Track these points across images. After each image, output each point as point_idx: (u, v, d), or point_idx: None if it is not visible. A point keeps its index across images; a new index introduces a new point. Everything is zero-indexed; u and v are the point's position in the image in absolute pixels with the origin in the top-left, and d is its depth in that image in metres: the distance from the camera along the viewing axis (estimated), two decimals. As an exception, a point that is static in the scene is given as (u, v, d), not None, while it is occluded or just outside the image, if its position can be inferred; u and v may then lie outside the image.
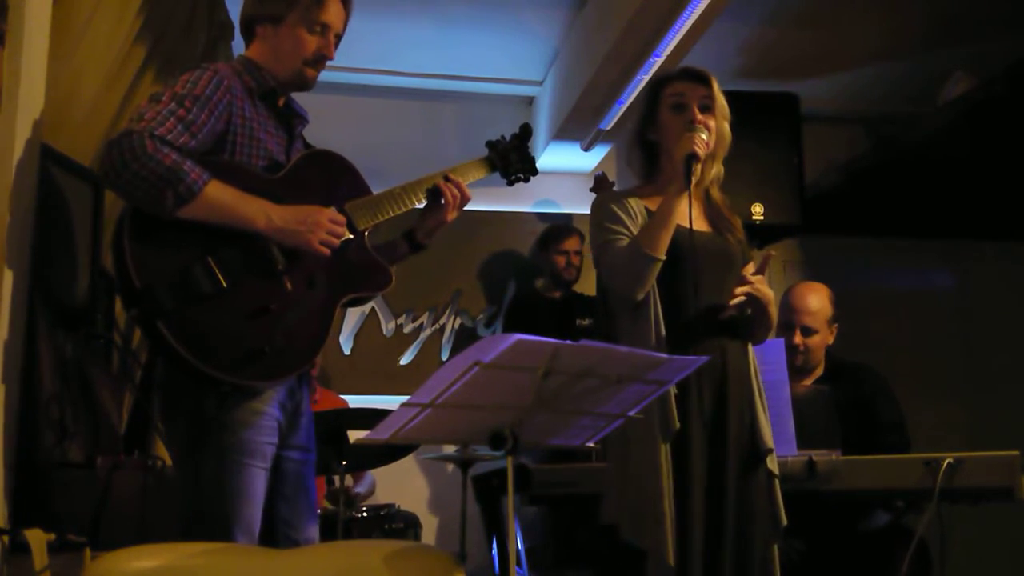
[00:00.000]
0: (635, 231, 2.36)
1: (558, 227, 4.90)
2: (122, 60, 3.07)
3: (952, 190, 4.71)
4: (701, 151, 2.32)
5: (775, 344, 2.84)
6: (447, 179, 2.41)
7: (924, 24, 4.38)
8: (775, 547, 2.33)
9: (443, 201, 2.40)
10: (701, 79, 2.44)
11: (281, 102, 2.31)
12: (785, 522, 2.35)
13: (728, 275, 2.41)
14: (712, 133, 2.38)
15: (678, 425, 2.24)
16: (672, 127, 2.41)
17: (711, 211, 2.51)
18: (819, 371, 3.37)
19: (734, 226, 2.51)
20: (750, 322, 2.44)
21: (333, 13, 2.28)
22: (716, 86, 2.45)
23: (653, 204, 2.42)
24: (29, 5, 2.49)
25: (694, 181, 2.31)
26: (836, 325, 3.38)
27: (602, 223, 2.41)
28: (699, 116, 2.38)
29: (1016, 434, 3.59)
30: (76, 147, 2.82)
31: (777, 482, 2.37)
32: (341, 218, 2.20)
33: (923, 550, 2.79)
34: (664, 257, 2.29)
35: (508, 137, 2.68)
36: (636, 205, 2.42)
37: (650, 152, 2.50)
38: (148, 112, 2.05)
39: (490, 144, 2.66)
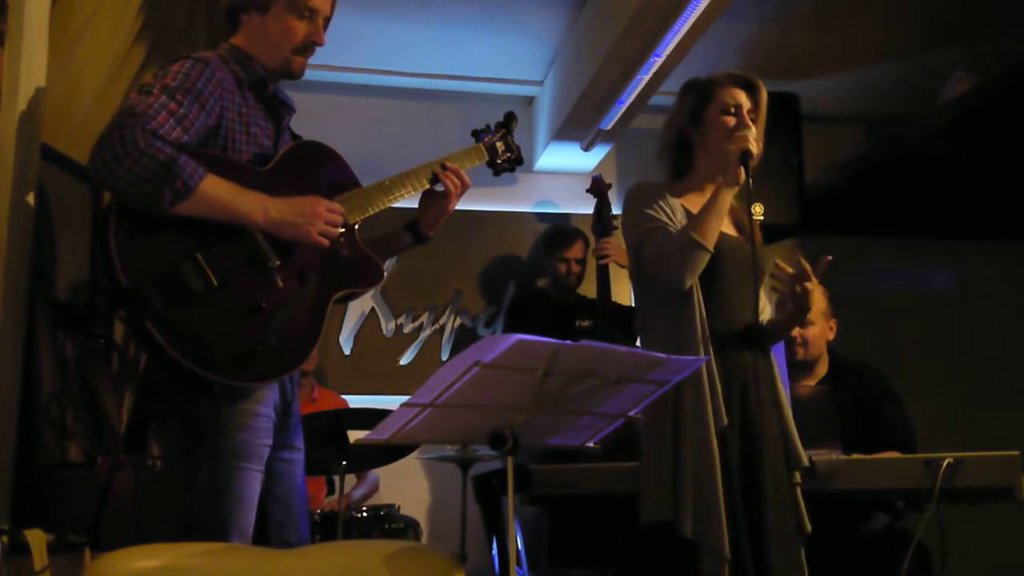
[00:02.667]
0: (675, 225, 2.37)
1: (564, 232, 4.83)
2: (122, 60, 3.07)
3: (952, 190, 4.71)
4: (755, 150, 2.34)
5: (775, 345, 2.84)
6: (444, 167, 2.37)
7: (924, 24, 4.38)
8: (802, 552, 2.35)
9: (444, 190, 2.36)
10: (754, 92, 2.48)
11: (269, 90, 2.25)
12: (809, 529, 2.37)
13: (752, 279, 2.43)
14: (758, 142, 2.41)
15: (726, 421, 2.26)
16: (719, 127, 2.43)
17: (733, 215, 2.54)
18: (823, 371, 3.37)
19: (752, 230, 2.53)
20: (777, 324, 2.49)
21: None
22: (764, 101, 2.49)
23: (687, 202, 2.46)
24: (29, 5, 2.49)
25: (742, 177, 2.33)
26: (835, 320, 3.39)
27: (643, 210, 2.40)
28: (749, 123, 2.41)
29: (1016, 434, 3.59)
30: (76, 147, 2.82)
31: (799, 491, 2.40)
32: (338, 207, 2.17)
33: (923, 552, 2.79)
34: (713, 249, 2.30)
35: (493, 126, 2.64)
36: (673, 202, 2.44)
37: (684, 149, 2.52)
38: (139, 105, 1.97)
39: (476, 134, 2.62)
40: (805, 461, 2.42)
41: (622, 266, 4.28)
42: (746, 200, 2.36)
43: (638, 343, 2.61)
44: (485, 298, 5.08)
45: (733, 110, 2.44)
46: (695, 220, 2.33)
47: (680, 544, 2.21)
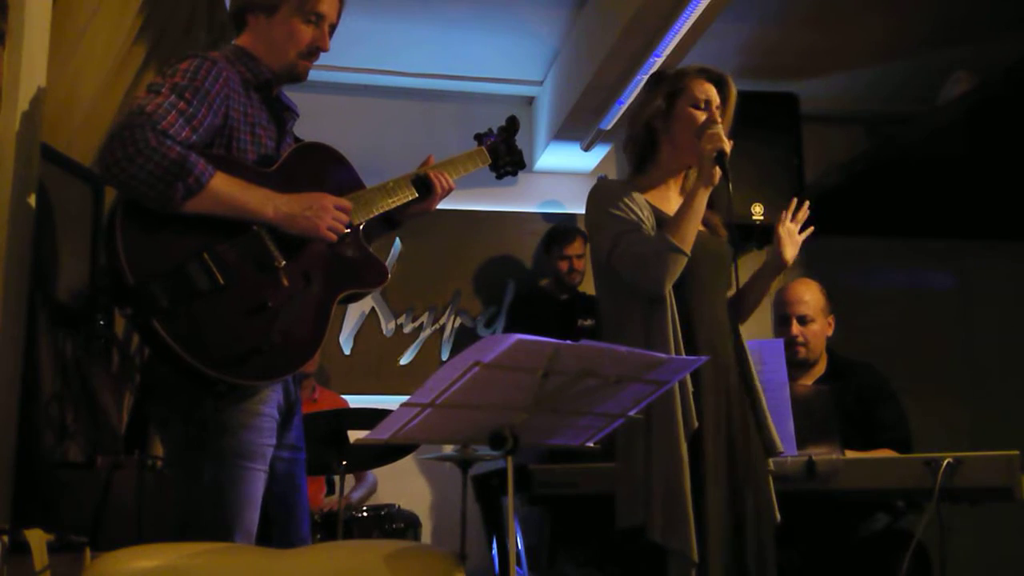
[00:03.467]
0: (645, 224, 2.36)
1: (562, 230, 4.85)
2: (122, 60, 3.07)
3: (952, 190, 4.70)
4: (728, 148, 2.33)
5: (775, 344, 2.85)
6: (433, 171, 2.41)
7: (924, 24, 4.38)
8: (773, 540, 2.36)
9: (432, 191, 2.39)
10: (724, 89, 2.47)
11: (274, 94, 2.27)
12: (779, 519, 2.36)
13: (722, 273, 2.45)
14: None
15: (696, 424, 2.25)
16: (688, 120, 2.42)
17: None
18: (821, 369, 3.37)
19: (716, 224, 2.53)
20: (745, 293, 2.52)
21: (328, 3, 2.23)
22: (732, 99, 2.48)
23: (652, 197, 2.44)
24: (29, 5, 2.49)
25: (717, 177, 2.32)
26: (833, 316, 3.39)
27: (611, 211, 2.38)
28: (718, 119, 2.40)
29: (1016, 434, 3.59)
30: (76, 147, 2.83)
31: (771, 479, 2.40)
32: (346, 203, 2.18)
33: (922, 552, 2.79)
34: (690, 252, 2.29)
35: (496, 130, 2.66)
36: (639, 198, 2.42)
37: (650, 141, 2.50)
38: (148, 104, 1.99)
39: (478, 137, 2.64)
40: (780, 448, 2.41)
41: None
42: (725, 199, 2.35)
43: None
44: (485, 298, 5.09)
45: (703, 104, 2.43)
46: (672, 224, 2.32)
47: (652, 547, 2.21)
